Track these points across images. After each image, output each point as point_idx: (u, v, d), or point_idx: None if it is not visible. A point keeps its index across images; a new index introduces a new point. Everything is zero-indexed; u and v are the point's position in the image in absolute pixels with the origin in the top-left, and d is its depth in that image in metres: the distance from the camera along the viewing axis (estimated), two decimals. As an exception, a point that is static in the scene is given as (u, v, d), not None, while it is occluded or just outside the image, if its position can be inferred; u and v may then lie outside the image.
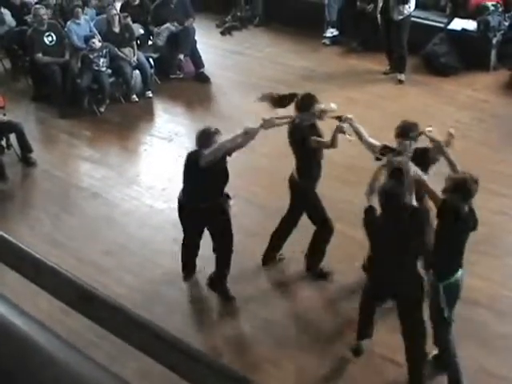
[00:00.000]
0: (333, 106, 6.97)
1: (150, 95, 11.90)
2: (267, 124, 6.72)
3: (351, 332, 6.57)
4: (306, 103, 6.94)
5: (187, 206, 6.91)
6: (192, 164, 6.73)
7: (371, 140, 6.73)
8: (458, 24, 11.96)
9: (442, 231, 5.80)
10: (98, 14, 12.69)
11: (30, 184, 10.04)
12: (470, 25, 11.82)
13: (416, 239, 5.81)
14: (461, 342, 6.50)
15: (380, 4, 11.38)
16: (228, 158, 6.85)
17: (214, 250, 7.16)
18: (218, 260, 7.17)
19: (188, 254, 7.40)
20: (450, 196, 5.70)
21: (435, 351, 6.26)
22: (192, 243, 7.28)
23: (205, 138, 6.67)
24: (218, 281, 7.27)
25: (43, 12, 11.57)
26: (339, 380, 6.38)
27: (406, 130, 6.35)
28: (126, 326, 1.82)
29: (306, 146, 6.87)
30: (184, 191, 6.98)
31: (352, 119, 6.80)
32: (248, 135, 6.72)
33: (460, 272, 5.90)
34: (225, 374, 1.67)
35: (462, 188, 5.66)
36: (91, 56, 11.28)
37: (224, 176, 6.87)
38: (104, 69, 11.41)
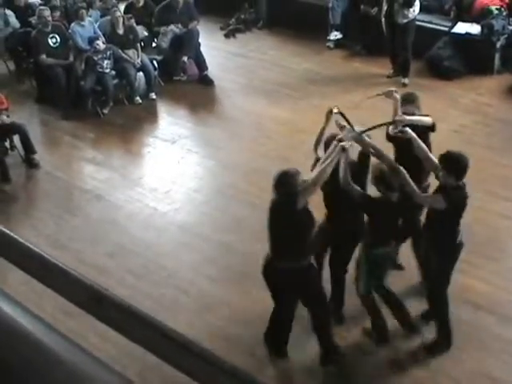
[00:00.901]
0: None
1: (154, 97, 11.90)
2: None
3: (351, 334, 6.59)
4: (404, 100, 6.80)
5: (278, 265, 5.99)
6: (283, 211, 5.90)
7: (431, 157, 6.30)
8: (461, 28, 11.96)
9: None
10: (102, 16, 12.71)
11: (33, 185, 10.04)
12: (474, 29, 11.81)
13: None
14: (463, 345, 6.52)
15: (385, 8, 11.37)
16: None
17: (314, 328, 6.38)
18: (320, 336, 6.42)
19: (285, 329, 6.52)
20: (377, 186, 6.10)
21: None
22: (289, 316, 6.40)
23: (289, 181, 5.76)
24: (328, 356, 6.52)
25: (47, 14, 11.58)
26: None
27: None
28: (137, 327, 1.82)
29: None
30: (275, 248, 6.04)
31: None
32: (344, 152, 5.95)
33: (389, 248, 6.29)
34: (233, 374, 1.67)
35: (382, 180, 6.01)
36: (95, 58, 11.29)
37: (311, 221, 6.06)
38: (108, 71, 11.41)
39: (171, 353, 1.80)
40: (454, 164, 5.95)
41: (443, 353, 6.46)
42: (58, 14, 12.37)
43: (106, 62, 11.36)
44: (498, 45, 11.68)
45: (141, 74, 12.00)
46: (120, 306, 1.89)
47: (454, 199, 5.93)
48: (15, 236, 2.19)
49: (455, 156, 5.99)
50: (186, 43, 12.29)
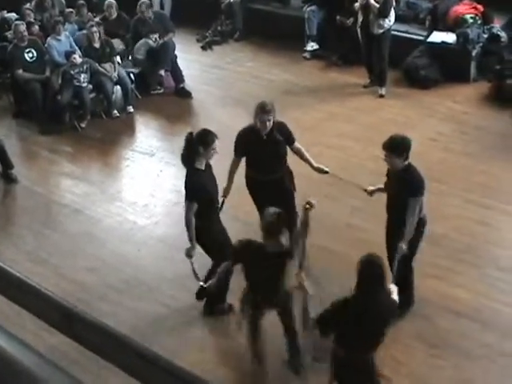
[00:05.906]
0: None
1: (131, 110, 11.87)
2: None
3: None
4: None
5: None
6: None
7: None
8: (437, 37, 12.04)
9: None
10: (78, 30, 12.68)
11: (11, 200, 9.98)
12: (450, 37, 11.90)
13: None
14: (443, 352, 6.53)
15: (360, 18, 11.42)
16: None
17: None
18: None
19: None
20: None
21: None
22: None
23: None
24: None
25: (23, 28, 11.54)
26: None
27: None
28: (109, 346, 1.80)
29: None
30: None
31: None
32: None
33: None
34: None
35: None
36: (72, 72, 11.26)
37: None
38: (85, 84, 11.38)
39: (144, 371, 1.78)
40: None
41: None
42: (37, 28, 12.33)
43: (82, 75, 11.33)
44: (474, 53, 11.76)
45: (118, 87, 11.99)
46: (91, 325, 1.87)
47: None
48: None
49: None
50: (162, 56, 12.28)
